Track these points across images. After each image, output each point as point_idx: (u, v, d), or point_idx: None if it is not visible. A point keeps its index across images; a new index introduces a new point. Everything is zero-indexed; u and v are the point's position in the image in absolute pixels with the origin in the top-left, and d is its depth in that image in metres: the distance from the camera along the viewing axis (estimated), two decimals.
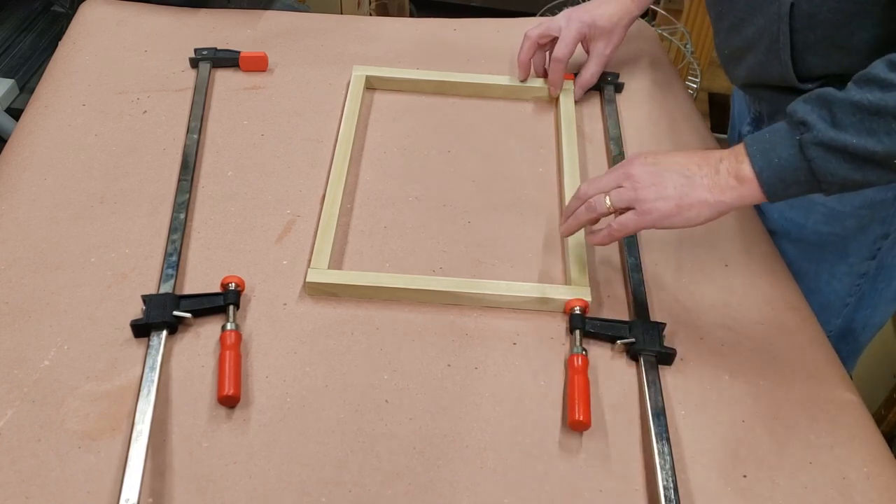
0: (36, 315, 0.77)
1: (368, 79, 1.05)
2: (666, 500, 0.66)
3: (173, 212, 0.87)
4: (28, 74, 1.64)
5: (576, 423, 0.71)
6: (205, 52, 1.06)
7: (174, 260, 0.81)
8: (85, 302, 0.78)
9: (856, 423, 0.74)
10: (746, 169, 0.68)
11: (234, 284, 0.79)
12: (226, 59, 1.06)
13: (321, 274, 0.81)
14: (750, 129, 0.99)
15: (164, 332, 0.75)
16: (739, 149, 0.70)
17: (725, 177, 0.69)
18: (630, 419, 0.73)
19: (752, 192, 0.69)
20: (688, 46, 1.94)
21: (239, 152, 0.95)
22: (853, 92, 0.65)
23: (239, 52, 1.06)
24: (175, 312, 0.75)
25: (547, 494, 0.68)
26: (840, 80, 0.70)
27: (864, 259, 0.94)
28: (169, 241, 0.83)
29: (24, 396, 0.71)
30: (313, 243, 0.84)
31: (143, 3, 1.17)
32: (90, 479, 0.65)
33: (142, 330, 0.75)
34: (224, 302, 0.77)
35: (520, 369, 0.76)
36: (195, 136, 0.95)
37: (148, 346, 0.74)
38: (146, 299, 0.76)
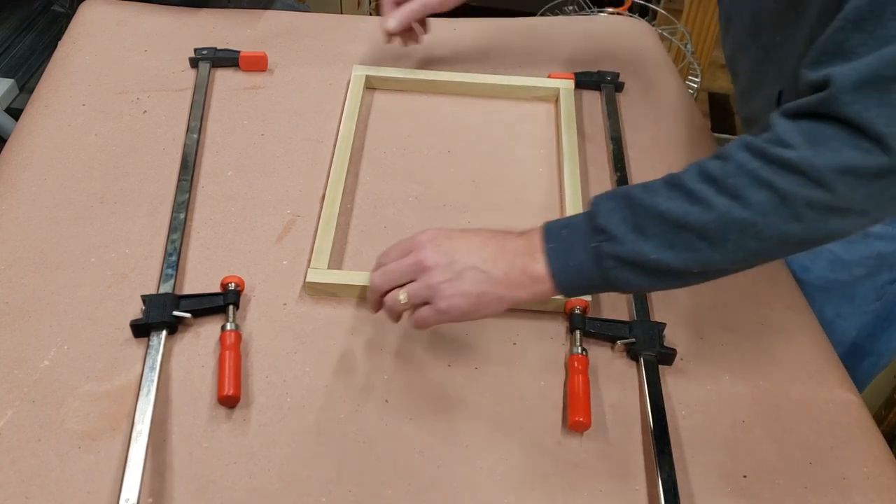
0: (36, 315, 0.77)
1: (368, 78, 1.05)
2: (666, 500, 0.66)
3: (173, 211, 0.87)
4: (28, 74, 1.64)
5: (576, 424, 0.71)
6: (204, 52, 1.06)
7: (174, 260, 0.81)
8: (85, 302, 0.78)
9: (856, 423, 0.74)
10: (541, 269, 0.65)
11: (233, 284, 0.79)
12: (226, 59, 1.06)
13: (321, 274, 0.81)
14: None
15: (164, 332, 0.75)
16: (536, 242, 0.66)
17: (519, 274, 0.66)
18: (630, 419, 0.73)
19: (546, 289, 0.66)
20: (688, 46, 1.94)
21: (239, 152, 0.95)
22: (661, 197, 0.61)
23: (239, 52, 1.06)
24: (175, 312, 0.75)
25: (547, 495, 0.68)
26: None
27: (871, 301, 0.93)
28: (169, 240, 0.83)
29: (24, 396, 0.71)
30: (313, 243, 0.84)
31: (143, 2, 1.17)
32: (90, 479, 0.65)
33: (141, 330, 0.75)
34: (224, 302, 0.77)
35: (520, 369, 0.76)
36: (195, 136, 0.95)
37: (147, 346, 0.74)
38: (146, 299, 0.76)
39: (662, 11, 2.05)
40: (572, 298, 0.78)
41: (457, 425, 0.72)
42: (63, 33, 1.13)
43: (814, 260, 0.91)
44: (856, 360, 0.86)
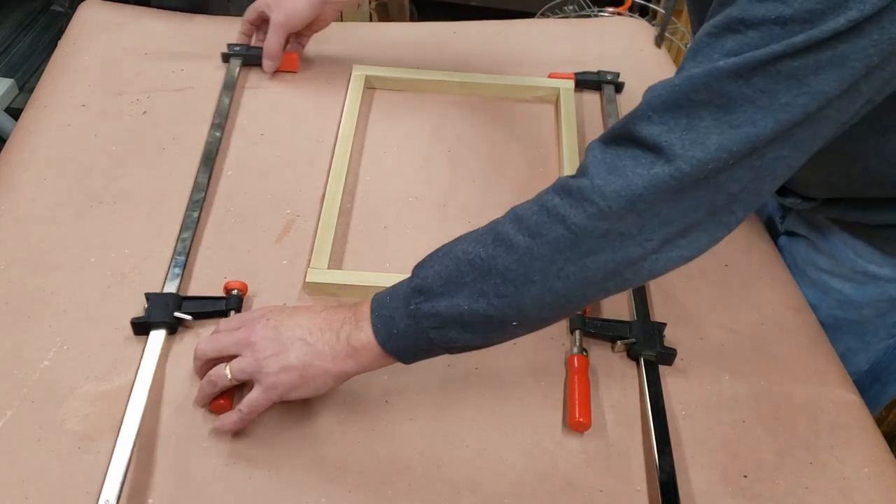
0: (36, 315, 0.77)
1: (368, 78, 1.05)
2: (666, 500, 0.66)
3: (187, 209, 0.86)
4: (27, 74, 1.64)
5: (576, 424, 0.71)
6: (237, 49, 1.06)
7: (182, 259, 0.81)
8: (85, 302, 0.78)
9: (856, 423, 0.74)
10: (365, 337, 0.63)
11: (237, 290, 0.78)
12: (257, 57, 1.05)
13: (321, 274, 0.81)
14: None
15: (164, 332, 0.75)
16: (364, 311, 0.65)
17: (344, 344, 0.64)
18: (630, 419, 0.73)
19: (373, 359, 0.64)
20: (688, 46, 1.94)
21: (239, 152, 0.95)
22: (472, 244, 0.60)
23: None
24: (176, 314, 0.75)
25: (547, 494, 0.68)
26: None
27: (882, 339, 0.91)
28: (179, 239, 0.83)
29: (24, 397, 0.71)
30: (313, 243, 0.84)
31: (142, 6, 1.16)
32: (90, 480, 0.65)
33: (141, 328, 0.75)
34: (226, 307, 0.77)
35: (520, 369, 0.76)
36: (217, 134, 0.95)
37: (146, 345, 0.74)
38: (149, 297, 0.76)
39: (662, 11, 2.05)
40: None
41: (457, 425, 0.72)
42: (63, 33, 1.13)
43: (822, 298, 0.90)
44: (862, 389, 0.85)
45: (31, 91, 1.05)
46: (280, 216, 0.88)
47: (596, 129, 1.03)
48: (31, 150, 0.94)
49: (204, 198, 0.88)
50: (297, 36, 1.07)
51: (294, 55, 1.06)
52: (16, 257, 0.82)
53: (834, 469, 0.71)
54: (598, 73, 1.08)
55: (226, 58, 1.06)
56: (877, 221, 0.82)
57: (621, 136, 0.58)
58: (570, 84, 1.06)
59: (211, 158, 0.92)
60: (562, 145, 0.97)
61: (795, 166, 0.57)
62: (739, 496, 0.68)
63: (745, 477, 0.70)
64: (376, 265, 0.84)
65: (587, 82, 1.08)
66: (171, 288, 0.78)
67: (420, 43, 1.14)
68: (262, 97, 1.03)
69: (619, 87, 1.08)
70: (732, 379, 0.77)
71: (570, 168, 0.93)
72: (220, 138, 0.95)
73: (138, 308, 0.77)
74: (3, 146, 0.98)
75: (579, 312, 0.76)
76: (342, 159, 0.93)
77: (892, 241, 0.83)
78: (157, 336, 0.74)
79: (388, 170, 0.95)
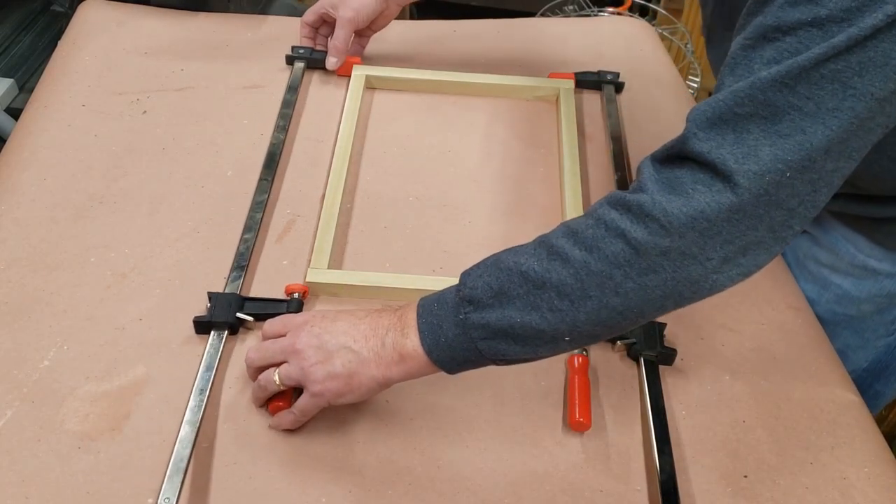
0: (36, 315, 0.77)
1: (368, 78, 1.05)
2: (666, 501, 0.66)
3: (250, 211, 0.87)
4: (28, 74, 1.63)
5: (576, 424, 0.71)
6: (301, 52, 1.07)
7: (244, 260, 0.81)
8: (84, 302, 0.78)
9: (856, 423, 0.74)
10: (412, 345, 0.62)
11: (298, 294, 0.78)
12: (322, 61, 1.06)
13: (321, 274, 0.81)
14: None
15: (225, 332, 0.75)
16: (409, 318, 0.64)
17: (390, 351, 0.63)
18: (630, 419, 0.73)
19: (420, 367, 0.63)
20: (688, 46, 1.94)
21: (239, 152, 0.95)
22: (524, 257, 0.59)
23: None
24: (238, 314, 0.76)
25: (547, 494, 0.68)
26: None
27: (881, 336, 0.91)
28: (241, 239, 0.84)
29: (24, 397, 0.71)
30: (313, 243, 0.84)
31: (142, 4, 1.16)
32: (90, 480, 0.65)
33: (203, 327, 0.75)
34: (287, 310, 0.77)
35: (520, 369, 0.76)
36: (281, 136, 0.96)
37: (207, 345, 0.74)
38: (212, 297, 0.77)
39: (662, 11, 2.05)
40: None
41: (457, 425, 0.72)
42: (63, 33, 1.13)
43: (821, 293, 0.90)
44: (861, 389, 0.86)
45: (31, 91, 1.05)
46: (280, 216, 0.88)
47: (596, 129, 1.03)
48: (31, 150, 0.94)
49: (267, 199, 0.88)
50: (359, 37, 1.07)
51: (357, 59, 1.06)
52: (16, 257, 0.82)
53: (834, 469, 0.71)
54: (598, 73, 1.08)
55: (290, 60, 1.07)
56: (877, 215, 0.82)
57: (674, 155, 0.57)
58: (570, 84, 1.06)
59: (274, 160, 0.93)
60: (562, 145, 0.97)
61: (848, 174, 0.56)
62: (739, 496, 0.68)
63: (745, 477, 0.70)
64: (376, 265, 0.84)
65: (587, 82, 1.08)
66: (233, 288, 0.78)
67: (420, 42, 1.14)
68: (263, 97, 1.03)
69: (619, 87, 1.08)
70: (732, 379, 0.77)
71: (570, 168, 0.93)
72: (284, 140, 0.96)
73: (139, 308, 0.78)
74: (3, 146, 0.98)
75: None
76: (342, 159, 0.93)
77: (891, 236, 0.83)
78: (220, 336, 0.75)
79: (388, 170, 0.95)
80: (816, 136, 0.52)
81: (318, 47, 1.08)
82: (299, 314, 0.72)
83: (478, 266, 0.63)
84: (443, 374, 0.63)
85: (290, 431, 0.70)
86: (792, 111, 0.52)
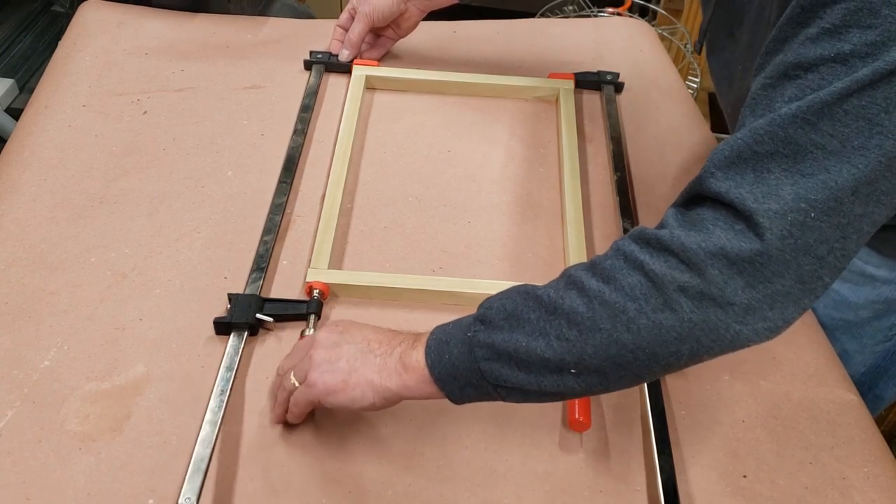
0: (36, 315, 0.77)
1: (368, 78, 1.05)
2: (666, 500, 0.66)
3: (269, 213, 0.87)
4: (28, 74, 1.64)
5: (576, 423, 0.71)
6: (319, 56, 1.07)
7: (264, 262, 0.81)
8: (85, 302, 0.78)
9: (856, 423, 0.74)
10: (416, 357, 0.61)
11: (318, 292, 0.78)
12: (340, 65, 1.07)
13: (321, 274, 0.81)
14: None
15: (245, 334, 0.75)
16: (424, 335, 0.63)
17: (395, 360, 0.62)
18: (630, 419, 0.73)
19: (419, 383, 0.61)
20: (688, 46, 1.94)
21: (239, 152, 0.95)
22: (546, 287, 0.58)
23: (352, 60, 1.06)
24: (258, 315, 0.75)
25: (547, 494, 0.68)
26: None
27: (879, 342, 0.91)
28: (261, 241, 0.84)
29: (25, 397, 0.71)
30: (313, 243, 0.84)
31: (142, 5, 1.16)
32: (91, 481, 0.65)
33: (223, 328, 0.75)
34: (307, 310, 0.77)
35: None
36: (300, 139, 0.96)
37: (227, 346, 0.74)
38: (232, 298, 0.77)
39: (662, 11, 2.05)
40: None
41: (457, 426, 0.72)
42: (63, 33, 1.13)
43: (819, 298, 0.90)
44: (859, 394, 0.86)
45: (31, 91, 1.05)
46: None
47: (596, 129, 1.03)
48: (31, 150, 0.94)
49: (286, 201, 0.88)
50: (383, 38, 1.08)
51: (374, 62, 1.07)
52: (16, 257, 0.82)
53: (834, 469, 0.71)
54: (598, 73, 1.08)
55: (308, 65, 1.07)
56: None
57: (692, 198, 0.56)
58: (570, 84, 1.06)
59: (293, 163, 0.93)
60: (562, 145, 0.97)
61: (880, 222, 0.53)
62: (739, 496, 0.68)
63: (745, 477, 0.70)
64: (376, 265, 0.84)
65: (587, 82, 1.08)
66: (253, 290, 0.79)
67: (420, 43, 1.14)
68: (263, 97, 1.03)
69: (619, 87, 1.08)
70: (732, 379, 0.77)
71: (570, 168, 0.93)
72: (303, 144, 0.96)
73: (138, 308, 0.78)
74: (3, 146, 0.98)
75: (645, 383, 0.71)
76: (342, 159, 0.93)
77: (889, 243, 0.83)
78: (240, 337, 0.75)
79: (388, 170, 0.95)
80: (842, 176, 0.50)
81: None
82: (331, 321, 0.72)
83: (502, 292, 0.62)
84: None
85: (289, 433, 0.70)
86: (815, 149, 0.50)
